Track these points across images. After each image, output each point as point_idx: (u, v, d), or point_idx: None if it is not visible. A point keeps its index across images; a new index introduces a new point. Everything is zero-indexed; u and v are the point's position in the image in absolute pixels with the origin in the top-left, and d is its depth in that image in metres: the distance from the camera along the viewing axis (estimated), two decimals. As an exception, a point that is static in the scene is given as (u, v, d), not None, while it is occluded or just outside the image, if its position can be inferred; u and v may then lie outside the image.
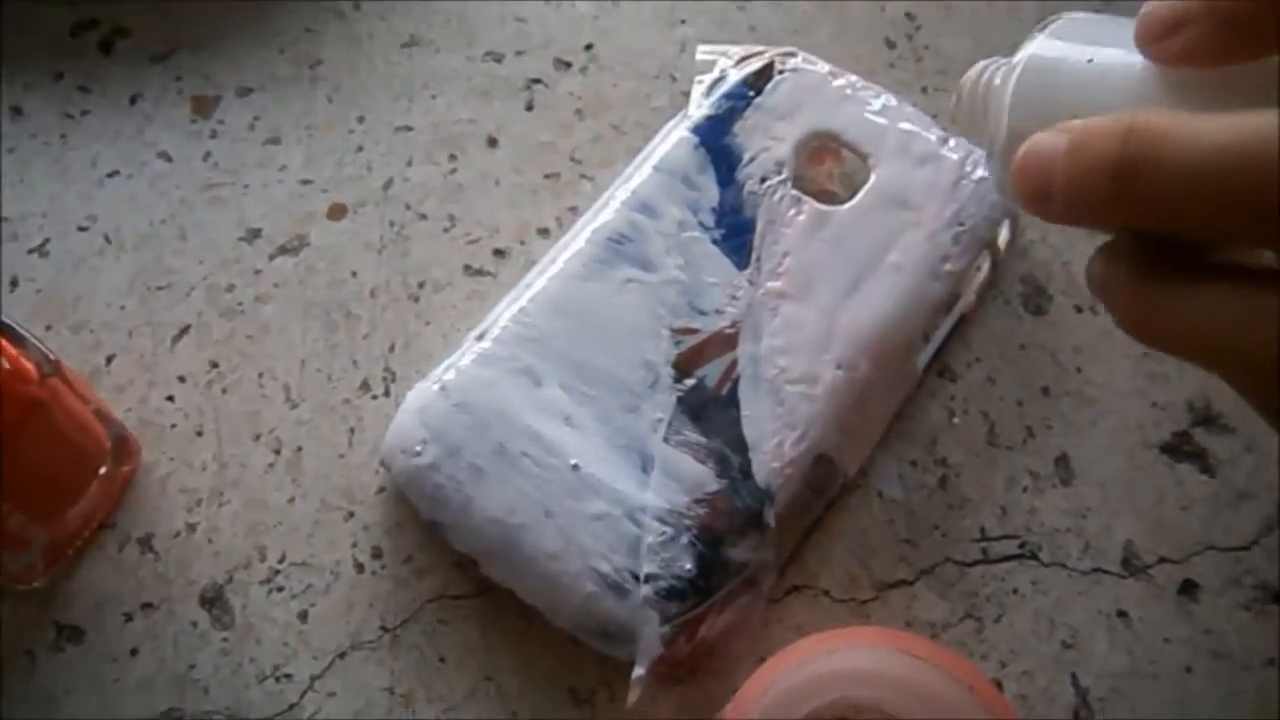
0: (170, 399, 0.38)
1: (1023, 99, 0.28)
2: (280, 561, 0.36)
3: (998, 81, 0.32)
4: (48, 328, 0.39)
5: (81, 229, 0.41)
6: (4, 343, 0.31)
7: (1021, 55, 0.29)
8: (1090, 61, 0.27)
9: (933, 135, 0.40)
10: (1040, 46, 0.29)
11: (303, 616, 0.35)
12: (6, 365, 0.30)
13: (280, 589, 0.36)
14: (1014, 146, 0.28)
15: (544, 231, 0.42)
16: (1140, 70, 0.26)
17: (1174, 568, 0.36)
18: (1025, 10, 0.48)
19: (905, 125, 0.40)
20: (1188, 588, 0.36)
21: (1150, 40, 0.24)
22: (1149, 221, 0.22)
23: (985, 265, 0.40)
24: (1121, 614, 0.36)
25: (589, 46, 0.46)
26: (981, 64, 0.33)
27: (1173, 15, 0.24)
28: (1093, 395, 0.39)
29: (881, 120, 0.40)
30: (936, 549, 0.37)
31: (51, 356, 0.32)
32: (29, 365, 0.31)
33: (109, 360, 0.39)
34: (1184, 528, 0.37)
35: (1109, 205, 0.22)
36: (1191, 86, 0.25)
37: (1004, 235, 0.40)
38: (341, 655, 0.35)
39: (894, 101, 0.41)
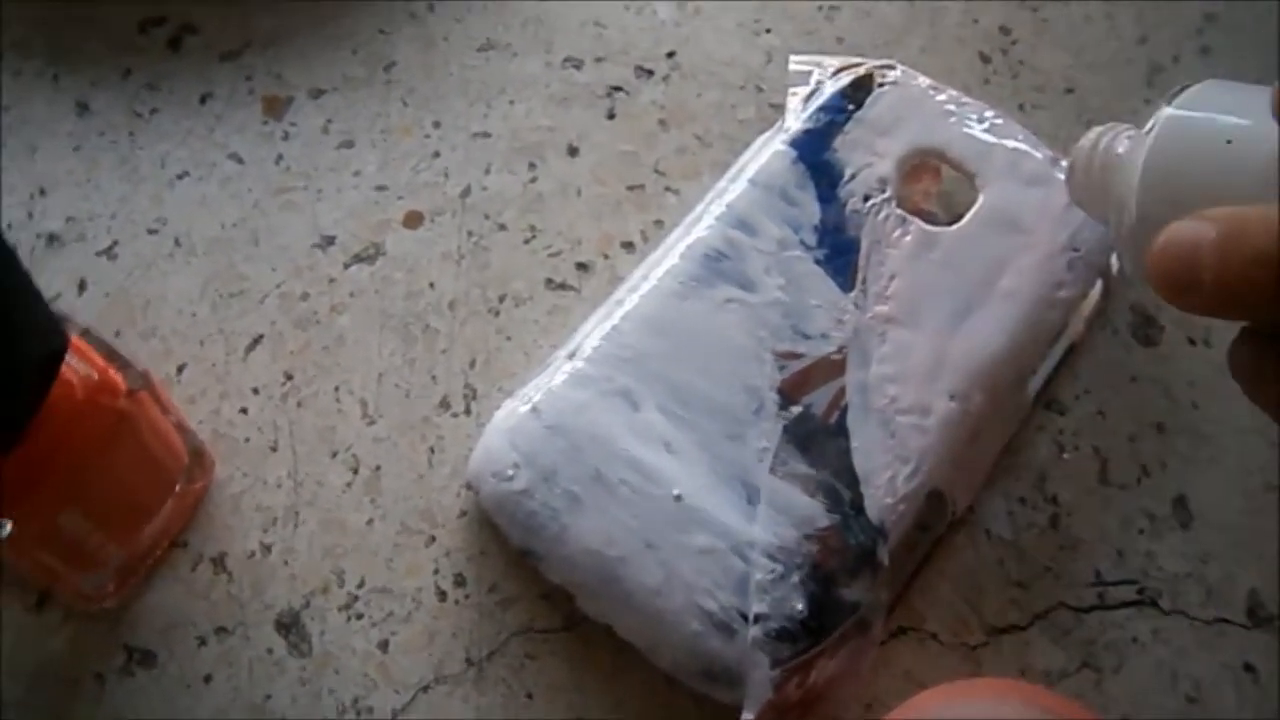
0: (244, 411, 0.37)
1: (1155, 179, 0.26)
2: (359, 586, 0.34)
3: (1120, 150, 0.30)
4: (117, 334, 0.38)
5: (151, 231, 0.40)
6: (91, 353, 0.29)
7: (1151, 128, 0.27)
8: (1229, 143, 0.25)
9: (1041, 154, 0.38)
10: (1172, 122, 0.27)
11: (383, 646, 0.33)
12: (95, 377, 0.28)
13: (360, 616, 0.34)
14: (1147, 229, 0.26)
15: (628, 245, 0.40)
16: None
17: (1302, 618, 0.34)
18: (1123, 24, 0.46)
19: (1012, 144, 0.39)
20: (1316, 640, 0.34)
21: None
22: None
23: (1096, 292, 0.38)
24: (1249, 668, 0.34)
25: (671, 54, 0.45)
26: (1097, 131, 0.32)
27: None
28: (1209, 433, 0.37)
29: (988, 138, 0.39)
30: (1049, 592, 0.35)
31: (140, 369, 0.30)
32: (118, 378, 0.29)
33: (180, 369, 0.37)
34: (1311, 576, 0.35)
35: (1270, 301, 0.21)
36: None
37: (1115, 261, 0.39)
38: (425, 689, 0.33)
39: (1000, 119, 0.39)
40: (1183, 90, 0.27)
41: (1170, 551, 0.36)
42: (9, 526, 0.27)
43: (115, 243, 0.39)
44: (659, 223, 0.41)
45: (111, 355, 0.29)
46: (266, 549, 0.35)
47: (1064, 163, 0.38)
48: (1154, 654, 0.34)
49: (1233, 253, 0.22)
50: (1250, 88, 0.27)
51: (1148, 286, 0.24)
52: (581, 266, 0.40)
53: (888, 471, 0.33)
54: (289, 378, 0.37)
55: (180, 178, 0.41)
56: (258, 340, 0.38)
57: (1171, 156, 0.26)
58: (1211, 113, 0.26)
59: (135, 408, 0.29)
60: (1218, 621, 0.35)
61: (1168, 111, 0.27)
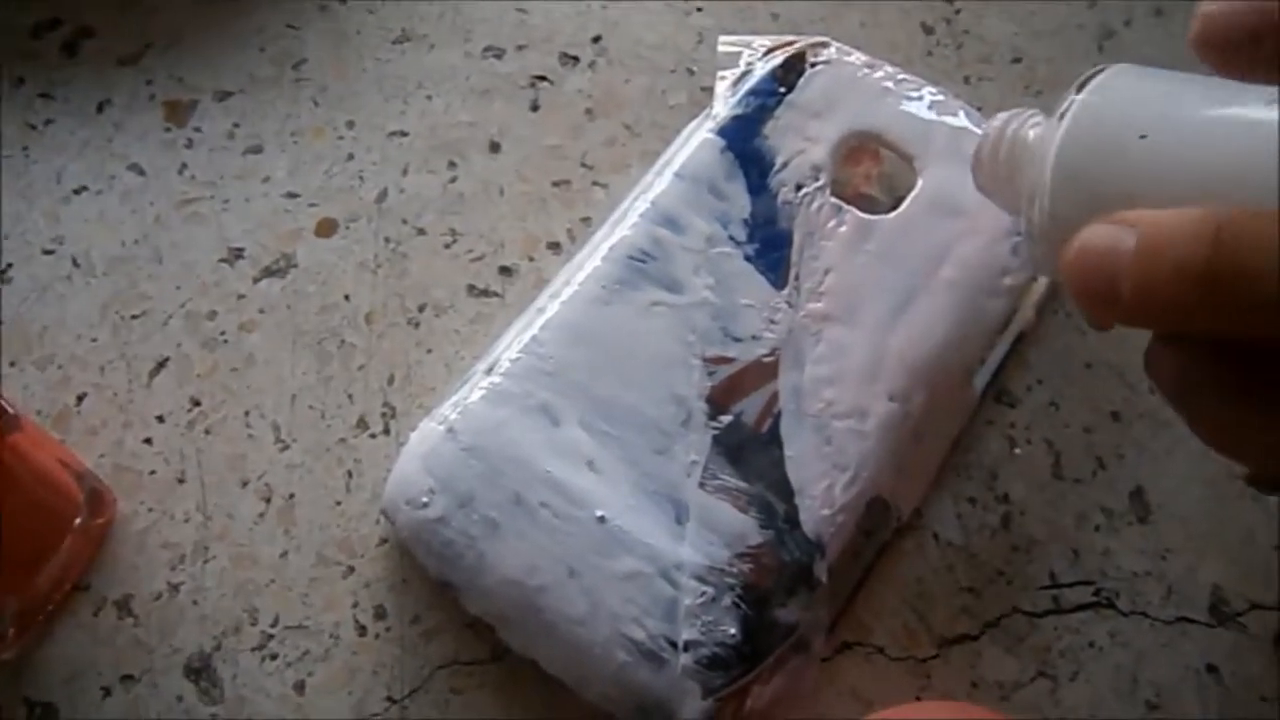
0: (148, 442, 0.35)
1: (1067, 174, 0.24)
2: (273, 625, 0.32)
3: (1030, 136, 0.28)
4: (11, 364, 0.35)
5: (47, 252, 0.37)
6: (-51, 397, 0.27)
7: (1063, 115, 0.25)
8: (1144, 138, 0.23)
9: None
10: (1083, 112, 0.25)
11: (299, 687, 0.32)
12: (-48, 425, 0.26)
13: (274, 656, 0.32)
14: (1060, 228, 0.24)
15: (554, 246, 0.38)
16: (1201, 136, 0.22)
17: (1267, 615, 0.33)
18: (1072, -10, 0.44)
19: (953, 121, 0.37)
20: (1283, 637, 0.33)
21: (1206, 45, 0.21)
22: (1240, 330, 0.19)
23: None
24: (1211, 669, 0.32)
25: (597, 39, 0.42)
26: (1004, 116, 0.30)
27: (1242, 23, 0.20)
28: (1167, 418, 0.36)
29: (928, 116, 0.37)
30: (1002, 598, 0.33)
31: (10, 410, 0.28)
32: (-21, 423, 0.27)
33: (80, 399, 0.35)
34: (1275, 569, 0.33)
35: (1195, 314, 0.19)
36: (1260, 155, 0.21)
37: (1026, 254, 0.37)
38: (344, 732, 0.31)
39: (940, 95, 0.37)
40: (1093, 76, 0.25)
41: (1128, 548, 0.34)
42: None
43: (8, 266, 0.37)
44: (586, 220, 0.39)
45: (-24, 398, 0.27)
46: (174, 589, 0.33)
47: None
48: (1113, 658, 0.32)
49: (1153, 262, 0.20)
50: (1165, 74, 0.25)
51: (1070, 299, 0.22)
52: (505, 271, 0.38)
53: (824, 481, 0.31)
54: (196, 403, 0.35)
55: (77, 192, 0.38)
56: (162, 364, 0.36)
57: (1083, 151, 0.24)
58: (1125, 104, 0.24)
59: (6, 452, 0.27)
60: (1179, 621, 0.33)
61: (1078, 100, 0.25)
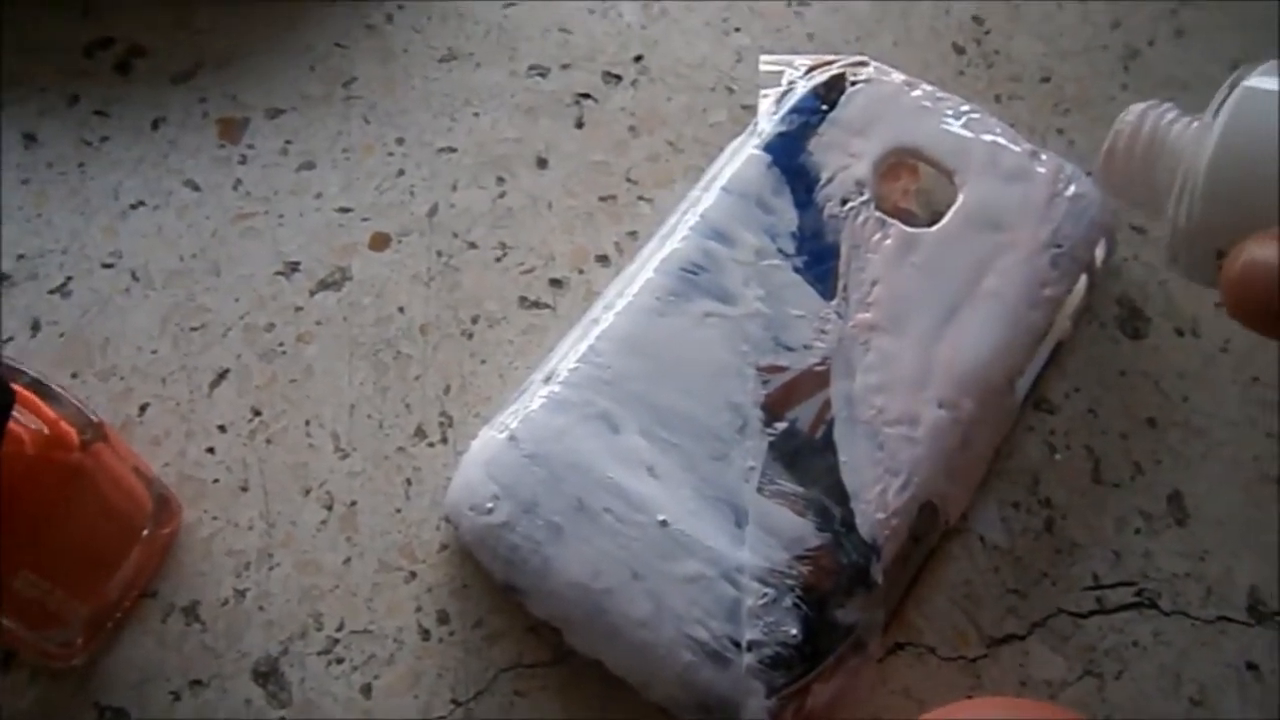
0: (210, 451, 0.35)
1: (1223, 186, 0.24)
2: (339, 630, 0.33)
3: (1173, 134, 0.28)
4: (74, 375, 0.36)
5: (106, 266, 0.38)
6: (40, 404, 0.28)
7: (1217, 113, 0.25)
8: None
9: (1019, 148, 0.38)
10: (1238, 116, 0.25)
11: (366, 691, 0.32)
12: (45, 430, 0.27)
13: (340, 660, 0.33)
14: (1211, 234, 0.24)
15: (603, 259, 0.39)
16: None
17: (1304, 614, 0.34)
18: (1096, 9, 0.45)
19: (990, 138, 0.38)
20: (1320, 635, 0.34)
21: None
22: None
23: (1081, 287, 0.37)
24: (1251, 666, 0.33)
25: (638, 58, 0.43)
26: (1138, 110, 0.29)
27: None
28: (1202, 425, 0.37)
29: (965, 133, 0.38)
30: (1047, 599, 0.34)
31: (94, 418, 0.29)
32: (69, 429, 0.28)
33: (142, 410, 0.36)
34: (1311, 569, 0.34)
35: None
36: None
37: (1100, 254, 0.38)
38: (411, 733, 0.32)
39: (976, 113, 0.38)
40: (1241, 77, 0.25)
41: (1167, 550, 0.35)
42: (-37, 595, 0.26)
43: (69, 279, 0.38)
44: (633, 234, 0.40)
45: (62, 405, 0.28)
46: (240, 595, 0.33)
47: (1044, 156, 0.37)
48: (1156, 657, 0.33)
49: None
50: None
51: (1233, 315, 0.22)
52: (555, 283, 0.39)
53: (878, 485, 0.32)
54: (257, 413, 0.36)
55: (134, 208, 0.39)
56: (222, 375, 0.37)
57: (1239, 159, 0.24)
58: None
59: (90, 460, 0.28)
60: (1219, 620, 0.34)
61: (1238, 97, 0.25)
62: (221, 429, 0.36)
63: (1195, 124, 0.27)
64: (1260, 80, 0.25)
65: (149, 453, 0.35)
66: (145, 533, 0.32)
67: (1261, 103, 0.25)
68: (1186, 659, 0.33)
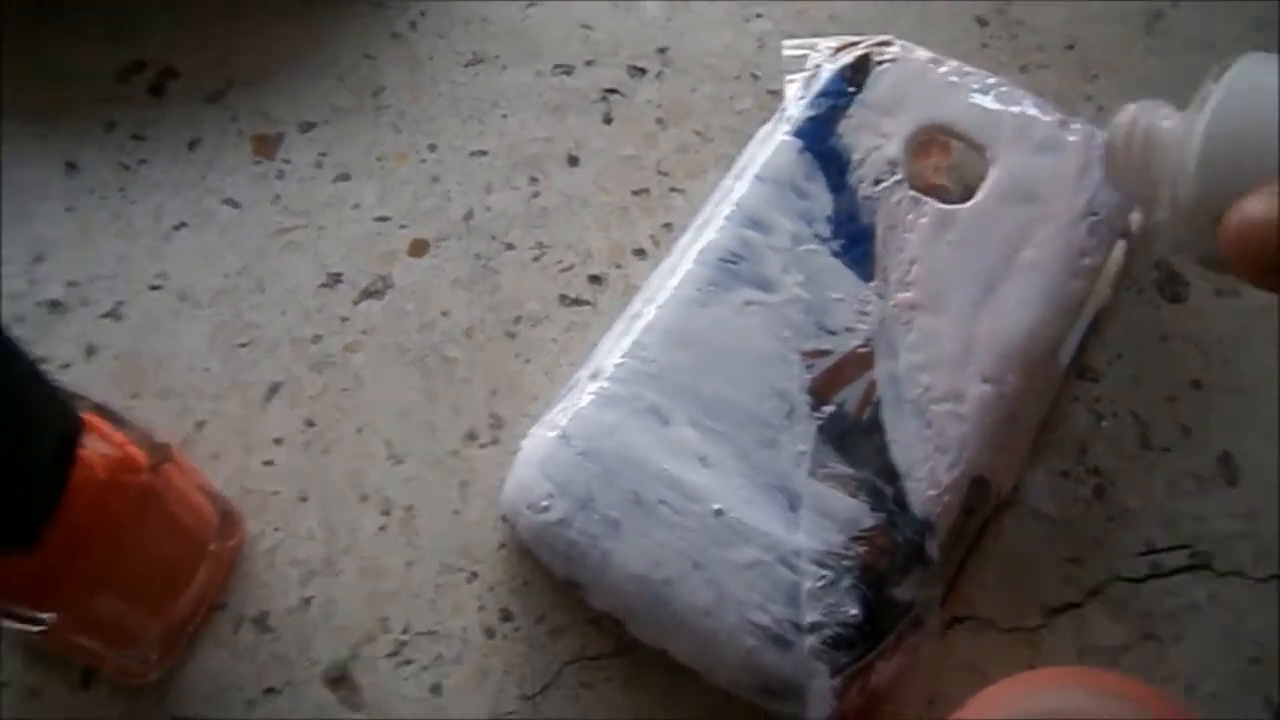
0: (268, 463, 0.36)
1: (1215, 159, 0.26)
2: (405, 632, 0.34)
3: (1165, 127, 0.30)
4: (132, 397, 0.37)
5: (154, 288, 0.39)
6: (107, 429, 0.28)
7: (1204, 104, 0.27)
8: None
9: (1049, 118, 0.38)
10: (1226, 104, 0.26)
11: (436, 690, 0.33)
12: (115, 455, 0.28)
13: (409, 662, 0.33)
14: (1208, 208, 0.25)
15: (640, 253, 0.40)
16: None
17: (1360, 568, 0.34)
18: (1118, -26, 0.45)
19: (1019, 110, 0.38)
20: (1377, 588, 0.34)
21: None
22: None
23: (1119, 254, 0.37)
24: (1310, 622, 0.33)
25: (662, 50, 0.44)
26: (1132, 109, 0.31)
27: None
28: (1246, 386, 0.37)
29: (994, 106, 0.38)
30: (1102, 566, 0.34)
31: (160, 440, 0.29)
32: (138, 453, 0.28)
33: (199, 426, 0.37)
34: (1365, 524, 0.34)
35: None
36: None
37: (1136, 220, 0.38)
38: (483, 729, 0.33)
39: (1004, 86, 0.38)
40: (1226, 68, 0.27)
41: (1219, 511, 0.35)
42: (47, 619, 0.26)
43: (119, 303, 0.39)
44: (668, 226, 0.40)
45: (129, 428, 0.29)
46: (306, 603, 0.34)
47: (1075, 124, 0.37)
48: (1213, 618, 0.34)
49: None
50: None
51: (1205, 265, 0.23)
52: (594, 279, 0.39)
53: (928, 463, 0.32)
54: (310, 424, 0.37)
55: (177, 229, 0.40)
56: (275, 389, 0.37)
57: (1226, 145, 0.26)
58: (1265, 91, 0.26)
59: (159, 481, 0.29)
60: (1273, 579, 0.34)
61: (1220, 88, 0.26)
62: (277, 441, 0.36)
63: (1183, 117, 0.28)
64: (1239, 69, 0.27)
65: (209, 468, 0.36)
66: (212, 547, 0.33)
67: (1248, 80, 0.26)
68: (1243, 619, 0.34)
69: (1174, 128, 0.29)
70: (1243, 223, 0.23)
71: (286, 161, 0.41)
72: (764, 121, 0.40)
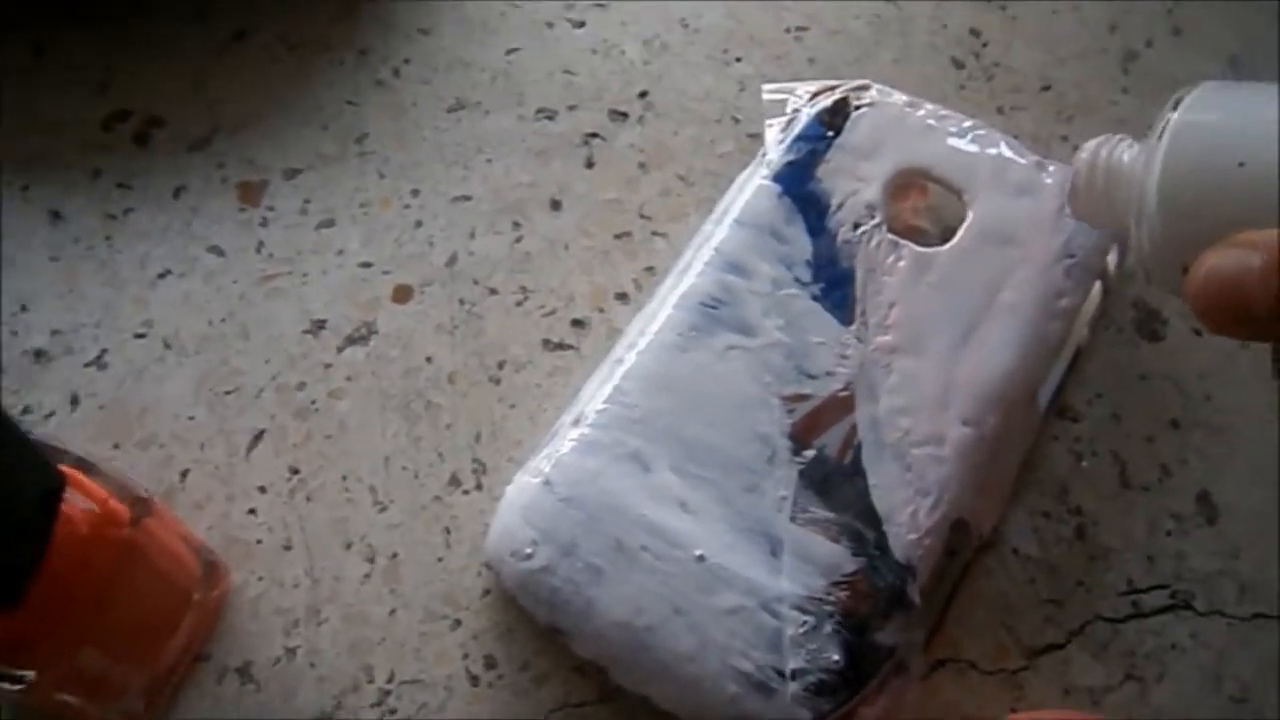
0: (252, 512, 0.36)
1: (1174, 202, 0.26)
2: (389, 681, 0.34)
3: (1125, 160, 0.30)
4: (115, 446, 0.37)
5: (139, 336, 0.39)
6: (88, 483, 0.28)
7: (1160, 137, 0.27)
8: (1243, 165, 0.25)
9: (1026, 161, 0.38)
10: (1180, 141, 0.26)
11: (420, 739, 0.33)
12: (97, 509, 0.28)
13: (393, 711, 0.33)
14: (1172, 250, 0.26)
15: (622, 297, 0.40)
16: None
17: (1340, 606, 0.34)
18: (1092, 14, 0.46)
19: (996, 153, 0.38)
20: (1357, 626, 0.34)
21: None
22: None
23: (1097, 294, 0.38)
24: (1291, 662, 0.34)
25: (643, 94, 0.44)
26: (1093, 144, 0.32)
27: None
28: (1225, 424, 0.37)
29: (971, 149, 0.38)
30: (1084, 606, 0.34)
31: (143, 493, 0.29)
32: (120, 506, 0.28)
33: (183, 475, 0.37)
34: (1344, 561, 0.35)
35: None
36: None
37: (1113, 260, 0.38)
38: (467, 779, 0.33)
39: (981, 129, 0.39)
40: (1181, 99, 0.27)
41: (1200, 550, 0.35)
42: (29, 676, 0.26)
43: (104, 351, 0.39)
44: (650, 270, 0.40)
45: (110, 481, 0.29)
46: (291, 653, 0.34)
47: (1051, 166, 0.38)
48: (1195, 658, 0.34)
49: None
50: (1250, 90, 0.27)
51: (1177, 294, 0.23)
52: (577, 323, 0.40)
53: (909, 507, 0.33)
54: (295, 472, 0.37)
55: (161, 277, 0.40)
56: (259, 436, 0.37)
57: (1184, 180, 0.26)
58: (1218, 130, 0.26)
59: (141, 534, 0.29)
60: (1255, 617, 0.34)
61: (1172, 126, 0.26)
62: (261, 490, 0.37)
63: (1142, 148, 0.28)
64: (1192, 101, 0.27)
65: (193, 518, 0.36)
66: (196, 598, 0.33)
67: (1195, 130, 0.26)
68: (1225, 658, 0.34)
69: (1134, 160, 0.29)
70: (1208, 277, 0.23)
71: (271, 208, 0.41)
72: (745, 165, 0.40)
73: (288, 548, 0.36)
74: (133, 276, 0.40)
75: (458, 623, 0.35)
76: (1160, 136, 0.27)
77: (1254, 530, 0.35)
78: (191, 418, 0.38)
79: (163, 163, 0.42)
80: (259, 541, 0.36)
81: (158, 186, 0.42)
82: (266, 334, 0.39)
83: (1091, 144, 0.31)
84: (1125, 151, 0.31)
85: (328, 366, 0.39)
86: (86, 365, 0.38)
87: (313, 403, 0.38)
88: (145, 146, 0.43)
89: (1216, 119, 0.26)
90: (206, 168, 0.42)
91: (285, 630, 0.34)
